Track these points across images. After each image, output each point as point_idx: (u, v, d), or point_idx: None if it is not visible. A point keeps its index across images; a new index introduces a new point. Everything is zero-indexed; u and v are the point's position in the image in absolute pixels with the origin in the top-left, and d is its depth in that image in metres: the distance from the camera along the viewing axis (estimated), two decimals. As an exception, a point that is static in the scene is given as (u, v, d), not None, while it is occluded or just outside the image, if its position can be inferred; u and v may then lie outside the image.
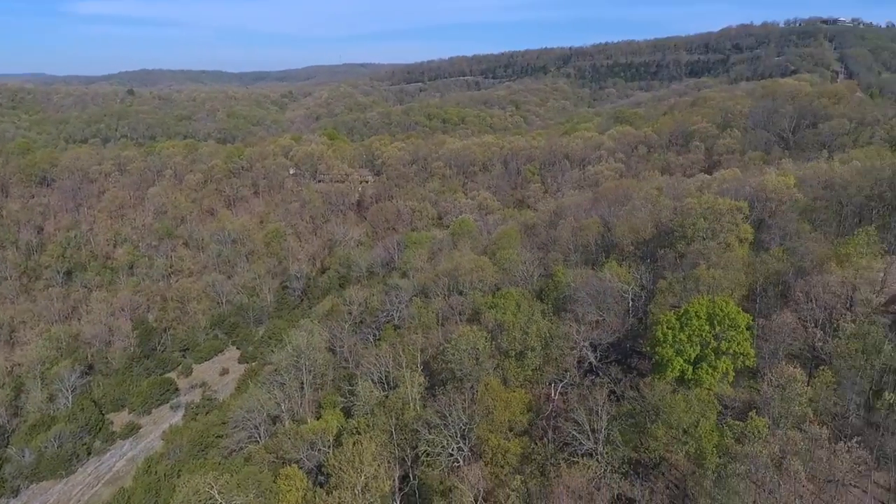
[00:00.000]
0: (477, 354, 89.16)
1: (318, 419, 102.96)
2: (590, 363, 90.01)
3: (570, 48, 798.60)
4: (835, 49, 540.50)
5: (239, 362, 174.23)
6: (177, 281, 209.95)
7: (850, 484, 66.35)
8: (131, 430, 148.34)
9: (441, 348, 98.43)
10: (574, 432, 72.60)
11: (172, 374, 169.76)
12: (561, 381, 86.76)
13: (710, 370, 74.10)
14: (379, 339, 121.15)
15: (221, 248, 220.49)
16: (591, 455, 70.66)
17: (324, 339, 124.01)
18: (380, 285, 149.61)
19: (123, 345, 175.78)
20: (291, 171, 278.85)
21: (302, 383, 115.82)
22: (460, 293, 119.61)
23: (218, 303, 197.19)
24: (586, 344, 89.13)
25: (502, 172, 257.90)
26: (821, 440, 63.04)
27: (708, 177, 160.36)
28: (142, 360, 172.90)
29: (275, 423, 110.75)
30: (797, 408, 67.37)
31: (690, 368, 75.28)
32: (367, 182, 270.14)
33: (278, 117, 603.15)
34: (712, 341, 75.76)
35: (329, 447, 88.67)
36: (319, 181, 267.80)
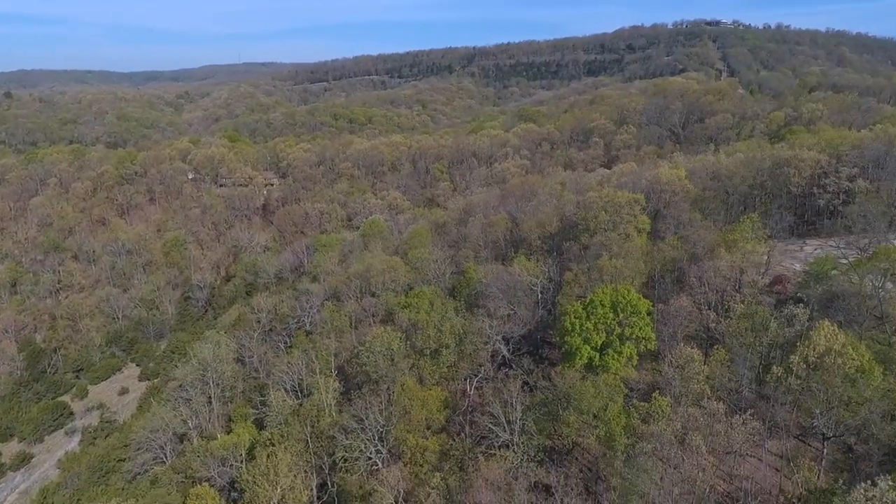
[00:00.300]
0: (392, 355, 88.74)
1: (228, 433, 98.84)
2: (503, 356, 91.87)
3: (474, 48, 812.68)
4: (718, 49, 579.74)
5: (139, 380, 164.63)
6: (66, 297, 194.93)
7: (747, 454, 71.57)
8: (22, 460, 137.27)
9: (355, 351, 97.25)
10: (490, 425, 73.86)
11: (66, 398, 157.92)
12: (476, 375, 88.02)
13: (615, 356, 77.59)
14: (290, 347, 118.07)
15: (115, 260, 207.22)
16: (507, 446, 72.15)
17: (231, 350, 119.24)
18: (289, 291, 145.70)
19: (9, 369, 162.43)
20: (190, 176, 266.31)
21: (209, 397, 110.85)
22: (373, 295, 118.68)
23: (114, 318, 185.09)
24: (499, 338, 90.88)
25: (411, 172, 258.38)
26: (718, 415, 67.48)
27: (607, 171, 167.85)
28: (30, 385, 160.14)
29: (182, 442, 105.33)
30: (696, 386, 71.83)
31: (598, 355, 78.51)
32: (272, 185, 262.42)
33: (174, 119, 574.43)
34: (617, 328, 79.40)
35: (242, 461, 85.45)
36: (221, 185, 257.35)
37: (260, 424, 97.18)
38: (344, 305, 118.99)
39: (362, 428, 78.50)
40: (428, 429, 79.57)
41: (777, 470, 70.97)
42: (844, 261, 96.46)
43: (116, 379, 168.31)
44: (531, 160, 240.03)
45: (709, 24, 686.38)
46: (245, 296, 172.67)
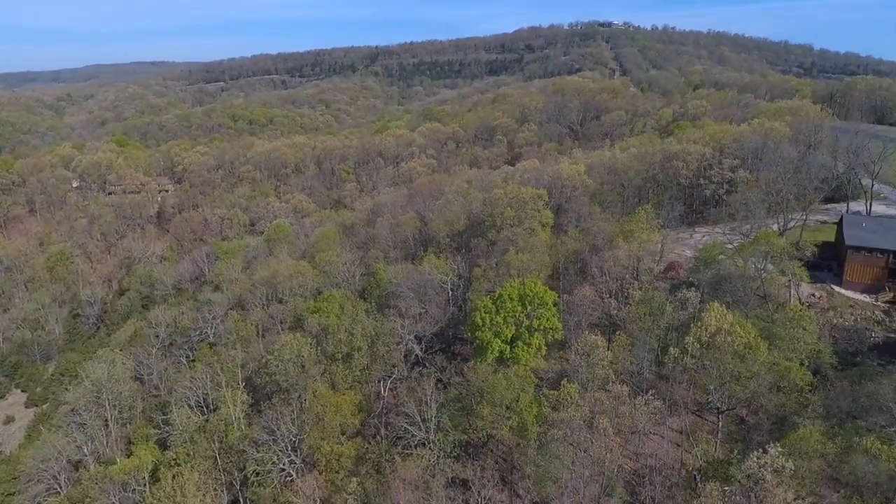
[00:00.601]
0: (302, 362, 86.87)
1: (129, 457, 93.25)
2: (416, 355, 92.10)
3: (377, 47, 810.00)
4: (611, 49, 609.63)
5: (26, 407, 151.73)
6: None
7: (650, 432, 75.73)
8: None
9: (263, 361, 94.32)
10: (406, 425, 73.90)
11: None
12: (390, 376, 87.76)
13: (525, 347, 79.69)
14: (193, 360, 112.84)
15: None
16: (424, 444, 72.49)
17: (128, 369, 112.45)
18: (190, 302, 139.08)
19: None
20: (75, 184, 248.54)
21: (106, 420, 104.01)
22: (280, 301, 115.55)
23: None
24: (411, 337, 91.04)
25: (316, 173, 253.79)
26: (622, 397, 70.90)
27: (511, 168, 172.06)
28: None
29: (78, 469, 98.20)
30: (601, 371, 75.08)
31: (508, 348, 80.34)
32: (166, 191, 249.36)
33: (55, 123, 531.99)
34: (525, 320, 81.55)
35: (145, 485, 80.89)
36: (110, 193, 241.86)
37: (163, 444, 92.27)
38: (249, 314, 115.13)
39: (274, 439, 76.34)
40: (343, 434, 78.49)
41: (678, 445, 75.60)
42: (730, 246, 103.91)
43: (0, 407, 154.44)
44: (437, 159, 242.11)
45: (602, 25, 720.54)
46: (141, 310, 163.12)
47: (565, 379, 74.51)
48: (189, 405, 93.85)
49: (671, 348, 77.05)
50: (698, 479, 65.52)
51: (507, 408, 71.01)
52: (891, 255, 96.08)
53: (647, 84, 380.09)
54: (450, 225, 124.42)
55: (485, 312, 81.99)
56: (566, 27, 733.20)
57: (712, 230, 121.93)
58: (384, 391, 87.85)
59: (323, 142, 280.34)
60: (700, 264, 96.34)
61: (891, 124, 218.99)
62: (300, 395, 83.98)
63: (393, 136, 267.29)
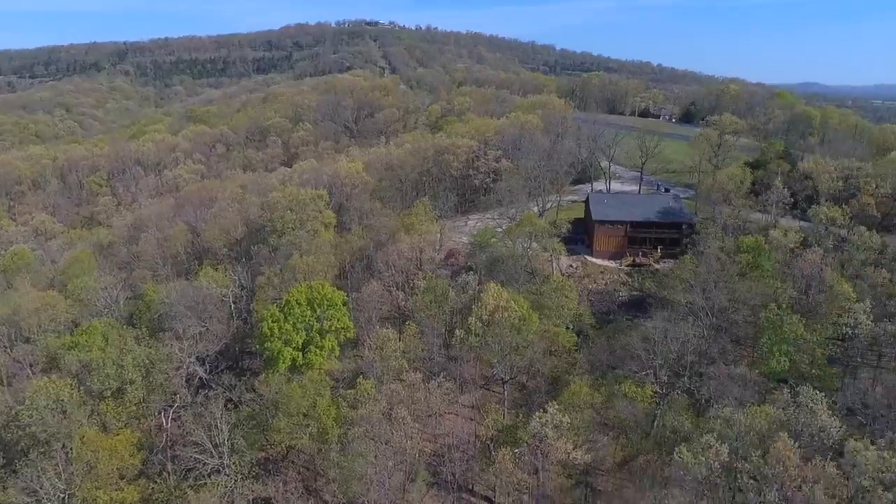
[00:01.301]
0: (63, 407, 75.96)
1: None
2: (200, 378, 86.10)
3: (126, 43, 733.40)
4: (379, 48, 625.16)
5: None
6: None
7: (445, 413, 79.99)
8: None
9: (13, 413, 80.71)
10: (195, 455, 68.84)
11: None
12: (171, 405, 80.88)
13: (318, 351, 79.04)
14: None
15: None
16: (218, 471, 68.29)
17: None
18: None
19: None
20: None
21: None
22: (27, 340, 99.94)
23: None
24: (192, 359, 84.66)
25: (60, 188, 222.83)
26: (417, 384, 73.92)
27: (288, 170, 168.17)
28: None
29: None
30: (394, 362, 77.40)
31: (300, 354, 78.95)
32: None
33: None
34: (316, 324, 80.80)
35: None
36: None
37: None
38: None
39: (37, 500, 66.10)
40: (122, 479, 70.57)
41: (471, 419, 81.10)
42: (500, 229, 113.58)
43: None
44: (206, 164, 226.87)
45: (368, 24, 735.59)
46: None
47: (361, 376, 75.51)
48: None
49: (457, 330, 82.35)
50: (492, 448, 70.96)
51: (305, 415, 69.84)
52: (629, 226, 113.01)
53: (415, 82, 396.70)
54: (226, 234, 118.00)
55: (272, 322, 79.52)
56: (334, 25, 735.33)
57: (484, 216, 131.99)
58: (166, 422, 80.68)
59: (66, 151, 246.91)
60: (476, 249, 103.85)
61: (620, 113, 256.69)
62: (65, 445, 73.54)
63: (152, 141, 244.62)
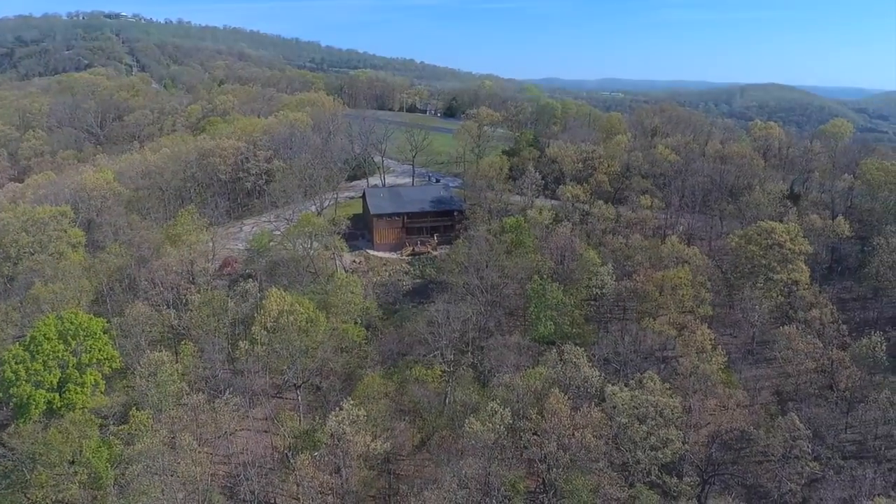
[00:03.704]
0: None
1: None
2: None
3: None
4: (124, 43, 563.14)
5: None
6: None
7: (236, 430, 76.06)
8: None
9: None
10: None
11: None
12: None
13: (78, 389, 70.28)
14: None
15: None
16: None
17: None
18: None
19: None
20: None
21: None
22: None
23: None
24: None
25: None
26: (200, 406, 69.50)
27: (20, 185, 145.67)
28: None
29: None
30: (172, 387, 71.80)
31: (57, 396, 69.57)
32: None
33: None
34: (72, 358, 71.68)
35: None
36: None
37: None
38: None
39: None
40: None
41: (266, 432, 78.49)
42: (278, 232, 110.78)
43: None
44: None
45: (108, 16, 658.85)
46: None
47: (135, 407, 68.82)
48: None
49: (240, 342, 78.86)
50: (290, 456, 69.55)
51: (72, 463, 61.76)
52: (405, 217, 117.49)
53: (170, 80, 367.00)
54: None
55: (16, 363, 68.91)
56: (65, 17, 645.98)
57: (259, 220, 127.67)
58: None
59: None
60: (254, 254, 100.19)
61: (389, 109, 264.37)
62: None
63: None
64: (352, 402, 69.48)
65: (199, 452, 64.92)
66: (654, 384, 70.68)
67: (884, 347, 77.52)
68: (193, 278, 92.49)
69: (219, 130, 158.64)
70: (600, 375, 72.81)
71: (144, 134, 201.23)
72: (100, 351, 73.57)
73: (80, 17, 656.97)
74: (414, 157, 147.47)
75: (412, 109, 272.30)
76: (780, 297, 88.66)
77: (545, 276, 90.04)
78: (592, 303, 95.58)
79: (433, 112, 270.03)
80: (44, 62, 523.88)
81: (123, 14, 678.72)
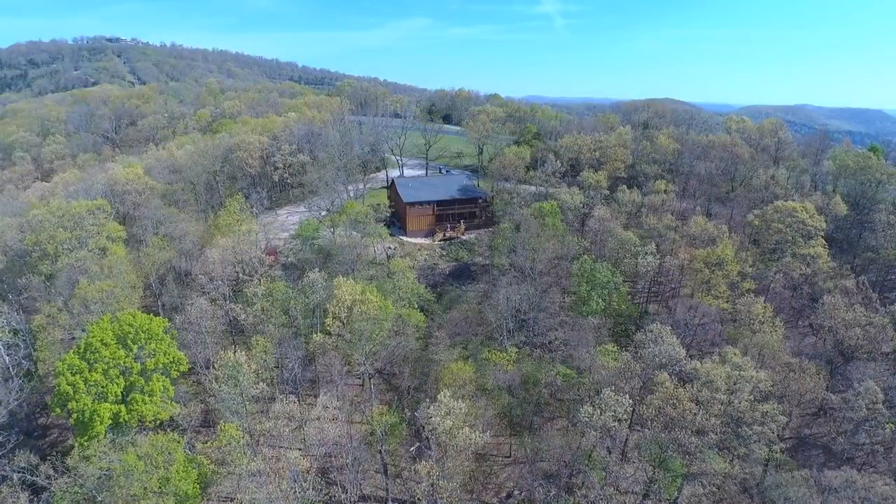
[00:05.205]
0: None
1: None
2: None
3: None
4: (125, 63, 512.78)
5: None
6: None
7: (319, 422, 57.84)
8: None
9: None
10: None
11: None
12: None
13: (146, 399, 50.54)
14: None
15: None
16: None
17: None
18: None
19: None
20: None
21: None
22: None
23: None
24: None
25: None
26: (293, 410, 51.15)
27: (48, 184, 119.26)
28: None
29: None
30: (253, 390, 52.84)
31: (123, 407, 49.66)
32: None
33: None
34: (135, 364, 51.71)
35: None
36: None
37: None
38: None
39: None
40: None
41: (350, 421, 60.50)
42: (318, 220, 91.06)
43: None
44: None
45: (110, 40, 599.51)
46: None
47: (220, 422, 49.93)
48: None
49: (314, 334, 60.55)
50: (382, 452, 52.37)
51: (159, 492, 42.63)
52: (435, 205, 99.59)
53: (170, 94, 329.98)
54: (-28, 268, 74.91)
55: (72, 374, 48.60)
56: (71, 42, 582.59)
57: (294, 209, 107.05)
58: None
59: None
60: (304, 244, 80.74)
61: (374, 115, 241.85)
62: None
63: None
64: (447, 393, 52.57)
65: (293, 452, 46.81)
66: (738, 358, 56.85)
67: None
68: (250, 269, 71.90)
69: (237, 129, 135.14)
70: (686, 353, 58.44)
71: (158, 137, 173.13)
72: (164, 353, 53.73)
73: (85, 42, 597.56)
74: (428, 150, 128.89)
75: (396, 115, 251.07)
76: (805, 270, 76.49)
77: (584, 257, 74.95)
78: (628, 282, 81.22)
79: (410, 116, 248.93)
80: (55, 81, 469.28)
81: (123, 38, 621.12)
